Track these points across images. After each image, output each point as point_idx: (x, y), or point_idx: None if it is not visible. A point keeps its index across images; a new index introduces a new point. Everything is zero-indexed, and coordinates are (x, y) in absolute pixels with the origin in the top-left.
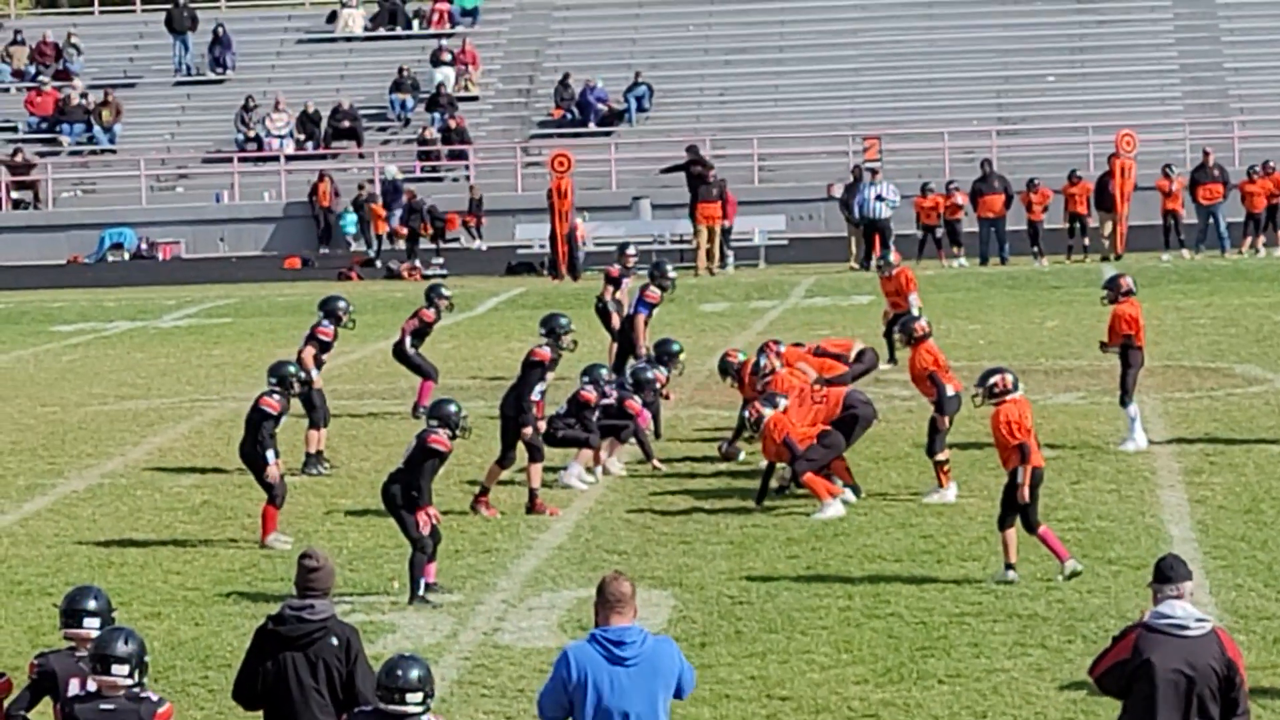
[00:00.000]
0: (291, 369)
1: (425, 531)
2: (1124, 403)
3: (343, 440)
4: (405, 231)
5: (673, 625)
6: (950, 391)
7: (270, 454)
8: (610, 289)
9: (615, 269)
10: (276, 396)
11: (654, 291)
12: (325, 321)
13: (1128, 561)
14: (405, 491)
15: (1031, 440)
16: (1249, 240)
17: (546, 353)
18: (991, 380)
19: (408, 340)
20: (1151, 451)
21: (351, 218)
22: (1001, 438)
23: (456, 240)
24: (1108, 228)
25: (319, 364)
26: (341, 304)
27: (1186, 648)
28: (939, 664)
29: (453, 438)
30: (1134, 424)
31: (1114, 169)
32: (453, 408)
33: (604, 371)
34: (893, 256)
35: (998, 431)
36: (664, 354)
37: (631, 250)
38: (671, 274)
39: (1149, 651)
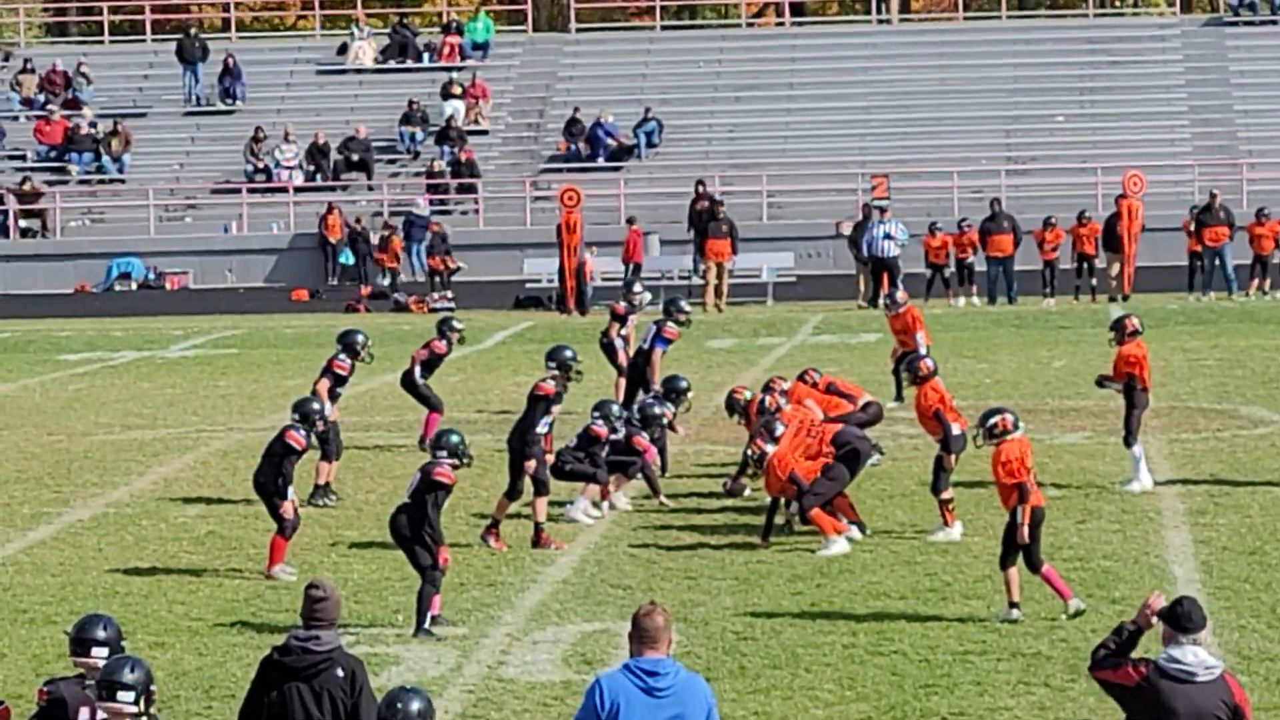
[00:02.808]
0: (315, 406)
1: (443, 564)
2: (1128, 443)
3: (349, 472)
4: (442, 265)
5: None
6: (956, 430)
7: (290, 489)
8: (615, 325)
9: (621, 306)
10: (301, 432)
11: (672, 328)
12: (342, 355)
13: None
14: (412, 524)
15: (1031, 480)
16: (1255, 282)
17: (551, 387)
18: (992, 420)
19: (417, 370)
20: (1156, 492)
21: (349, 250)
22: (1000, 477)
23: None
24: (1115, 269)
25: (334, 397)
26: (359, 338)
27: (1192, 693)
28: (942, 702)
29: (457, 468)
30: (1139, 464)
31: (1121, 210)
32: (455, 438)
33: (615, 407)
34: (899, 295)
35: (997, 471)
36: (672, 390)
37: (638, 288)
38: (688, 309)
39: (1154, 693)
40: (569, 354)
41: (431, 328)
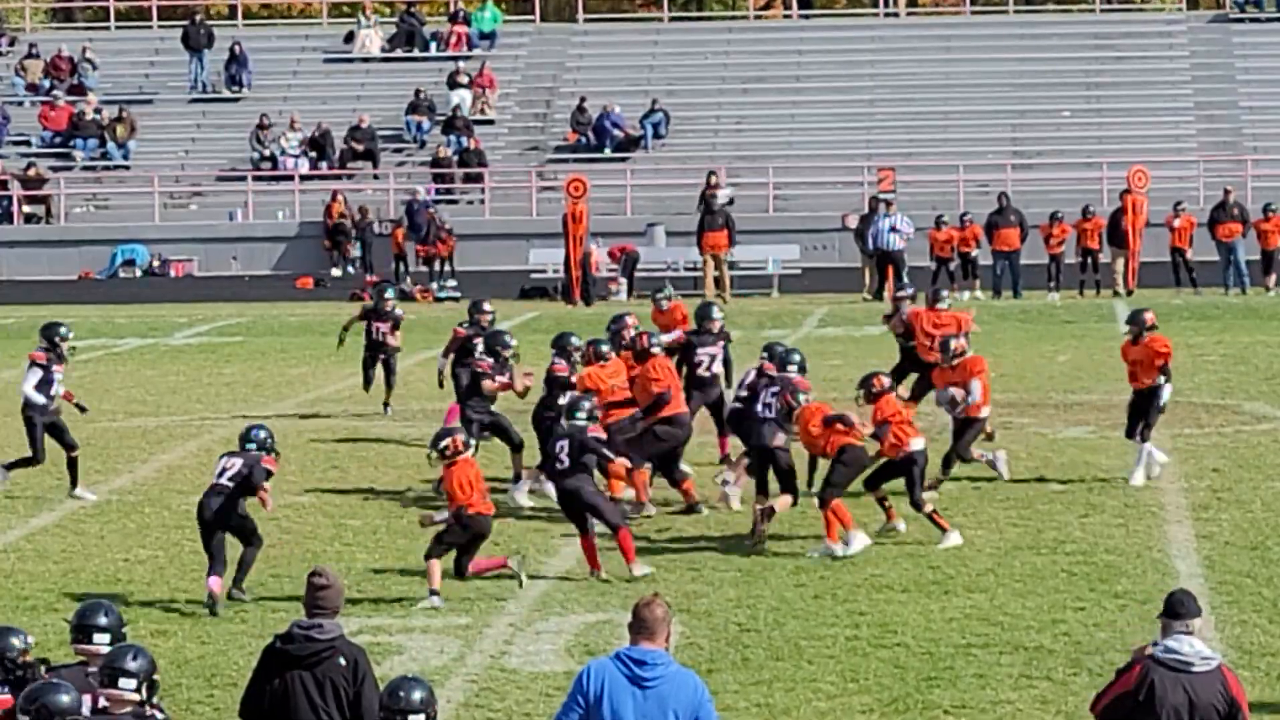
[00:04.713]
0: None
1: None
2: (1144, 437)
3: (353, 460)
4: (425, 252)
5: (680, 652)
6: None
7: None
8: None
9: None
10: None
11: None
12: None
13: (1134, 595)
14: (230, 508)
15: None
16: (1275, 277)
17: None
18: (443, 444)
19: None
20: (1160, 487)
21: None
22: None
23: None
24: (1120, 264)
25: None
26: (489, 319)
27: (1190, 684)
28: (944, 695)
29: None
30: (1141, 458)
31: (1126, 205)
32: (264, 433)
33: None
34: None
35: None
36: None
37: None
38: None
39: (1153, 686)
40: (573, 340)
41: (439, 315)
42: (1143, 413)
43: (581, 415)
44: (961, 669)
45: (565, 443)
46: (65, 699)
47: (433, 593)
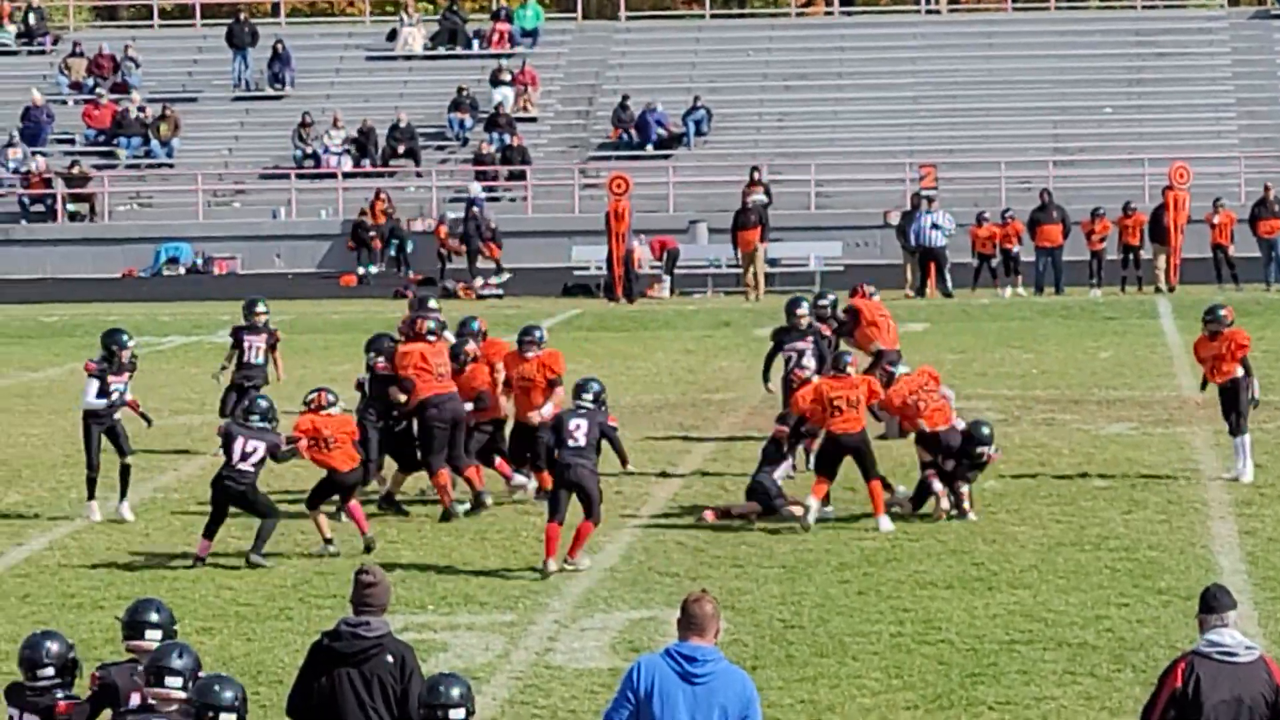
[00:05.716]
0: None
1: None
2: (1239, 429)
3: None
4: (464, 249)
5: (724, 648)
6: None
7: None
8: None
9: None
10: None
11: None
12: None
13: (1177, 592)
14: (253, 484)
15: None
16: None
17: None
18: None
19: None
20: (1203, 483)
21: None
22: None
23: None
24: (1161, 260)
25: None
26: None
27: (1236, 674)
28: (989, 691)
29: None
30: (1240, 453)
31: (1168, 201)
32: (265, 403)
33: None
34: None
35: None
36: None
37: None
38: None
39: (1200, 679)
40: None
41: (481, 313)
42: (1232, 407)
43: (589, 397)
44: (1005, 665)
45: (584, 422)
46: (229, 694)
47: (327, 541)
